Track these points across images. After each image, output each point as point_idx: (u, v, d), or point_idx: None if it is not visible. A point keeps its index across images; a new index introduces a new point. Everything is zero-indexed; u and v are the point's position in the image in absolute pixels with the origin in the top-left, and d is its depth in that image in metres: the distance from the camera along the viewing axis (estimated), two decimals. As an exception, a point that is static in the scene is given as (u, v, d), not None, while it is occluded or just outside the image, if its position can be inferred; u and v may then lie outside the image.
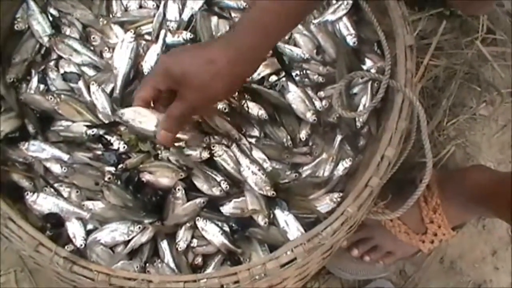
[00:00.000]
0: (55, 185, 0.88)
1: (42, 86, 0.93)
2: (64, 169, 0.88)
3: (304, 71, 0.94)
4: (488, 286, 1.08)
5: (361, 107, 0.93)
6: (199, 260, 0.88)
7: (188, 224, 0.87)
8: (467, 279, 1.07)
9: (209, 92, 0.74)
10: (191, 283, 0.72)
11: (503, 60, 1.17)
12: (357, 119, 0.92)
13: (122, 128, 0.88)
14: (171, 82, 0.75)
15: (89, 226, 0.87)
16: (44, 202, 0.86)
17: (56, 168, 0.88)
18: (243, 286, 0.73)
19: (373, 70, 0.94)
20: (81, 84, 0.92)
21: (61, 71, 0.93)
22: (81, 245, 0.84)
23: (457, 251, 1.08)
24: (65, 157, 0.88)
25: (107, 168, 0.87)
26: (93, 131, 0.88)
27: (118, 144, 0.88)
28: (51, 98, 0.90)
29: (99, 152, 0.89)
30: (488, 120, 1.14)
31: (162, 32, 0.94)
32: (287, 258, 0.74)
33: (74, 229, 0.85)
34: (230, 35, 0.77)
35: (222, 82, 0.73)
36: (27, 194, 0.86)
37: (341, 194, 0.89)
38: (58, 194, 0.87)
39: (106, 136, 0.89)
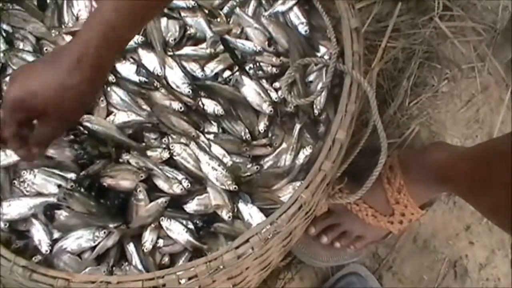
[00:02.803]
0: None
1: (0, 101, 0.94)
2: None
3: (258, 64, 0.95)
4: (464, 262, 1.07)
5: (318, 94, 0.93)
6: (166, 259, 0.88)
7: (153, 225, 0.87)
8: (442, 257, 1.07)
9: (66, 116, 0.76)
10: (149, 281, 0.72)
11: (463, 36, 1.17)
12: (314, 106, 0.93)
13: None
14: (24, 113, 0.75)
15: (55, 235, 0.87)
16: (9, 210, 0.87)
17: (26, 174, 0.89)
18: (202, 280, 0.74)
19: (326, 57, 0.94)
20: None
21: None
22: (47, 251, 0.84)
23: (429, 229, 1.08)
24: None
25: (69, 176, 0.88)
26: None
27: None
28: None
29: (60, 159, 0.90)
30: (451, 96, 1.14)
31: (113, 37, 0.94)
32: (243, 248, 0.74)
33: (39, 236, 0.86)
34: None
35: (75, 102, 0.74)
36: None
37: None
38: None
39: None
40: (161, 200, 0.87)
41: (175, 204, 0.89)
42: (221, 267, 0.73)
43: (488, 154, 0.82)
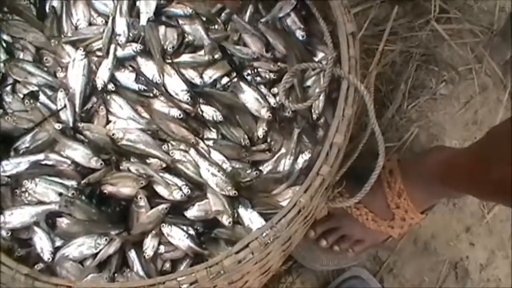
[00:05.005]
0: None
1: (0, 111, 0.94)
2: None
3: (255, 70, 0.95)
4: (464, 263, 1.08)
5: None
6: (167, 266, 0.89)
7: (154, 232, 0.88)
8: (443, 259, 1.08)
9: None
10: (150, 287, 0.73)
11: (460, 38, 1.18)
12: (312, 111, 0.93)
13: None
14: None
15: (57, 243, 0.88)
16: (11, 218, 0.87)
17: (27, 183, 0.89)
18: (203, 285, 0.74)
19: (323, 61, 0.95)
20: (43, 97, 0.93)
21: (20, 95, 0.95)
22: (49, 259, 0.85)
23: (429, 231, 1.08)
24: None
25: (70, 184, 0.89)
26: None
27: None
28: (8, 118, 0.92)
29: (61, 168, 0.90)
30: (450, 99, 1.15)
31: (112, 46, 0.95)
32: (243, 253, 0.75)
33: (42, 244, 0.86)
34: None
35: None
36: (-6, 217, 0.88)
37: (303, 187, 0.89)
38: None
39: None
40: (162, 206, 0.88)
41: (176, 211, 0.89)
42: (222, 272, 0.74)
43: (488, 140, 0.82)
